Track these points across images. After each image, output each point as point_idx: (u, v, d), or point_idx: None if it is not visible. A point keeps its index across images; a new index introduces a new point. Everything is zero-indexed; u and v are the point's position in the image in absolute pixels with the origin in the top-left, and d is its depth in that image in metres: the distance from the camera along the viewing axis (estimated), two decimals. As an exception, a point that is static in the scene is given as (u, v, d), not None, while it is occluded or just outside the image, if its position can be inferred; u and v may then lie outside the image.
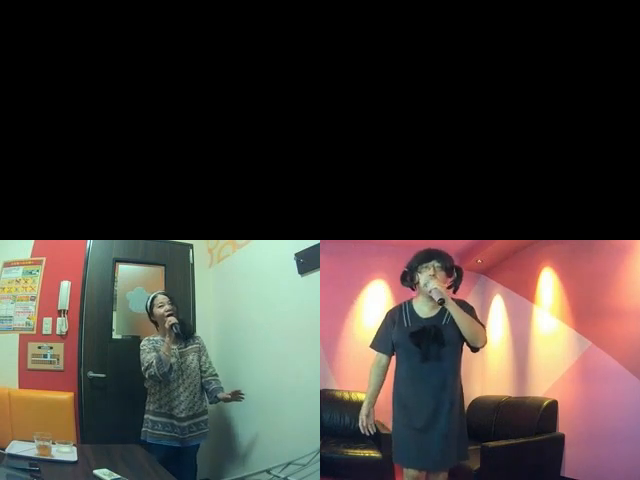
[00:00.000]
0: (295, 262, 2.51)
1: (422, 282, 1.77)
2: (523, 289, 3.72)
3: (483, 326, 1.82)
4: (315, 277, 2.42)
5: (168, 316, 2.52)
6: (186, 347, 2.61)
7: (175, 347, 2.56)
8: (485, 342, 1.79)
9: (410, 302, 1.89)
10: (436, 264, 1.78)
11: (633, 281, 2.59)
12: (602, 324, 2.81)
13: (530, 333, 3.58)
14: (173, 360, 2.51)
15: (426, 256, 1.80)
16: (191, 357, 2.60)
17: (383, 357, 1.89)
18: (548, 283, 3.41)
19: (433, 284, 1.72)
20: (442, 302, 1.69)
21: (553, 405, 3.11)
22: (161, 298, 2.60)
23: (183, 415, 2.51)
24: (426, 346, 1.73)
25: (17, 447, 1.90)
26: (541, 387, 3.38)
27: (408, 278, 1.85)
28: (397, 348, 1.84)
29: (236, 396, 2.55)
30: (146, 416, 2.54)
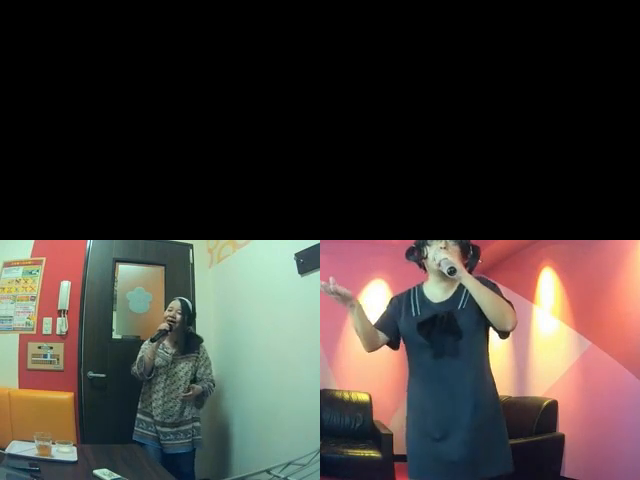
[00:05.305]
0: (295, 262, 2.51)
1: (431, 256, 1.51)
2: (523, 289, 3.72)
3: (511, 305, 1.49)
4: (315, 277, 2.42)
5: (165, 321, 2.60)
6: (182, 355, 2.64)
7: (170, 353, 2.61)
8: (515, 324, 1.47)
9: (420, 286, 1.60)
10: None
11: (633, 281, 2.59)
12: (602, 324, 2.82)
13: (530, 333, 3.59)
14: (161, 363, 2.57)
15: None
16: (182, 365, 2.63)
17: (382, 335, 1.56)
18: (548, 283, 3.42)
19: (442, 254, 1.47)
20: (452, 271, 1.41)
21: (553, 405, 3.12)
22: (173, 303, 2.68)
23: (159, 419, 2.54)
24: (438, 338, 1.47)
25: (17, 447, 1.90)
26: (541, 387, 3.38)
27: (415, 253, 1.57)
28: (406, 341, 1.56)
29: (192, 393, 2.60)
30: (137, 415, 2.60)
